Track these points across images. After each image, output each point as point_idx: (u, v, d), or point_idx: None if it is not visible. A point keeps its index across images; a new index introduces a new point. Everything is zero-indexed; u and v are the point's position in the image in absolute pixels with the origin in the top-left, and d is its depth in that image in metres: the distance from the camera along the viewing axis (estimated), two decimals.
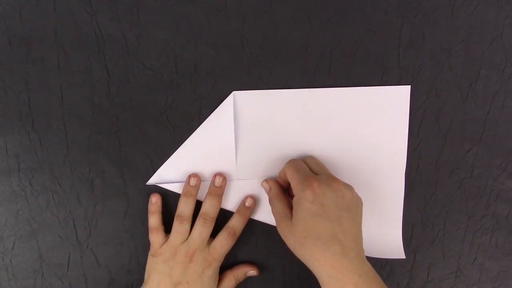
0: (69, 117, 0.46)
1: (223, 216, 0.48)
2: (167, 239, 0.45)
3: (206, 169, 0.47)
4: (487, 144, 0.50)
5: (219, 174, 0.46)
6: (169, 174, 0.47)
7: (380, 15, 0.47)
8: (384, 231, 0.50)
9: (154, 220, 0.46)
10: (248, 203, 0.47)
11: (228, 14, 0.46)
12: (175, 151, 0.47)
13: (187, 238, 0.45)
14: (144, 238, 0.47)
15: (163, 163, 0.47)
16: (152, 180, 0.47)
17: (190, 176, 0.46)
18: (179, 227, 0.45)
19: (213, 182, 0.46)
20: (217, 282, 0.46)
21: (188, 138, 0.47)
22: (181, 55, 0.46)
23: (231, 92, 0.46)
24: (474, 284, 0.52)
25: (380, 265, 0.51)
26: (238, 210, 0.47)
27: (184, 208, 0.45)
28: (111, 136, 0.47)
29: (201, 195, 0.47)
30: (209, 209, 0.45)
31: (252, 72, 0.47)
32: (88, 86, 0.46)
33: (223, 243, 0.45)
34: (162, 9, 0.45)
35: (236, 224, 0.46)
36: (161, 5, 0.45)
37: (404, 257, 0.50)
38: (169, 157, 0.47)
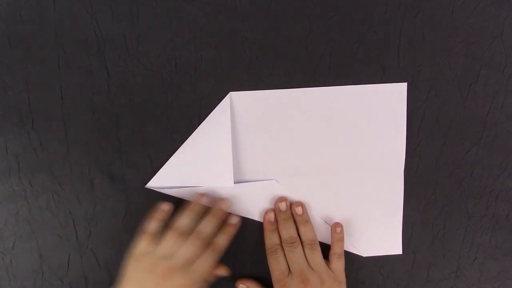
0: (69, 117, 0.46)
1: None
2: (154, 249, 0.43)
3: (204, 172, 0.47)
4: (487, 144, 0.50)
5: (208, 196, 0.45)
6: (167, 178, 0.47)
7: (380, 15, 0.47)
8: (384, 228, 0.50)
9: (155, 227, 0.44)
10: (233, 220, 0.47)
11: (228, 14, 0.46)
12: (175, 151, 0.47)
13: (174, 254, 0.43)
14: None
15: (163, 163, 0.47)
16: (150, 184, 0.47)
17: (200, 195, 0.45)
18: (172, 239, 0.43)
19: (216, 203, 0.45)
20: None
21: (186, 141, 0.47)
22: (181, 55, 0.46)
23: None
24: (474, 284, 0.52)
25: (380, 265, 0.51)
26: (223, 227, 0.46)
27: (184, 223, 0.44)
28: (111, 136, 0.47)
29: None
30: (205, 229, 0.44)
31: (252, 72, 0.47)
32: (88, 86, 0.46)
33: (206, 259, 0.43)
34: (162, 9, 0.45)
35: (220, 241, 0.45)
36: (161, 5, 0.45)
37: (401, 252, 0.50)
38: (169, 157, 0.47)
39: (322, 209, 0.49)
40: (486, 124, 0.49)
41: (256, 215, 0.49)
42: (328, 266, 0.46)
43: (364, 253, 0.50)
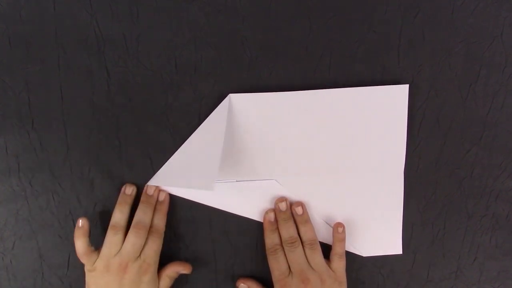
0: (69, 117, 0.46)
1: (225, 220, 0.48)
2: (99, 253, 0.44)
3: (203, 172, 0.47)
4: (487, 144, 0.50)
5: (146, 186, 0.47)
6: (167, 178, 0.47)
7: (380, 15, 0.47)
8: (384, 228, 0.50)
9: (82, 244, 0.44)
10: (161, 197, 0.47)
11: (228, 14, 0.46)
12: (175, 151, 0.47)
13: (120, 250, 0.44)
14: None
15: (163, 163, 0.47)
16: (150, 184, 0.47)
17: (126, 185, 0.47)
18: (112, 237, 0.44)
19: (145, 191, 0.47)
20: (157, 284, 0.45)
21: (185, 142, 0.47)
22: (181, 55, 0.46)
23: (231, 92, 0.46)
24: (474, 284, 0.52)
25: (380, 265, 0.51)
26: (155, 207, 0.47)
27: (119, 217, 0.45)
28: (111, 136, 0.47)
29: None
30: (142, 218, 0.45)
31: (252, 72, 0.47)
32: (88, 86, 0.46)
33: (151, 245, 0.45)
34: (162, 9, 0.45)
35: (156, 222, 0.46)
36: (161, 5, 0.45)
37: (401, 252, 0.50)
38: (169, 157, 0.47)
39: (322, 209, 0.49)
40: (486, 124, 0.49)
41: (256, 215, 0.49)
42: (329, 266, 0.46)
43: (364, 253, 0.50)
